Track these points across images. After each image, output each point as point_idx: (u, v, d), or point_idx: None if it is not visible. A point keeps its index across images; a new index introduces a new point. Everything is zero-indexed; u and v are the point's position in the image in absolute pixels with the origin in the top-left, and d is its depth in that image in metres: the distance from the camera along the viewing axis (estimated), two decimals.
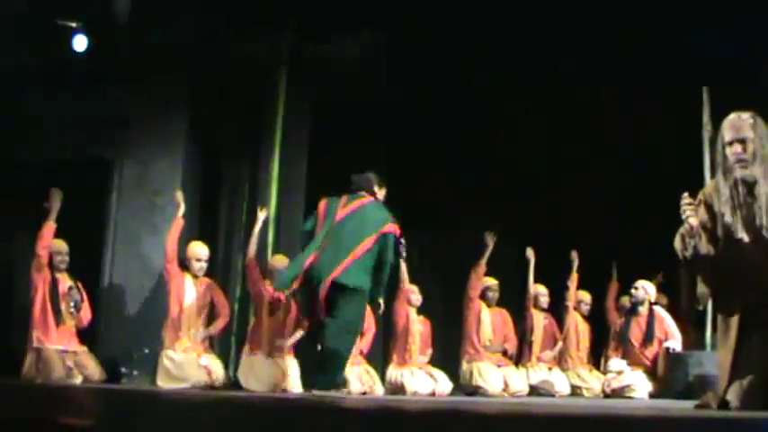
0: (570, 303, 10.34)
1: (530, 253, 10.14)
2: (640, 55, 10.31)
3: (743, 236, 4.76)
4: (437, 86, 10.53)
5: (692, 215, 4.72)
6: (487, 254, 9.80)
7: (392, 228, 7.28)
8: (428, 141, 11.08)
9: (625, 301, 10.62)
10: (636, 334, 9.60)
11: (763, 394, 4.54)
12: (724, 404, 4.67)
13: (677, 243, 4.87)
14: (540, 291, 10.17)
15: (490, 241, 9.79)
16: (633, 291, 9.77)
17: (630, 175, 11.18)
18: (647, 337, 9.53)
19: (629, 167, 11.22)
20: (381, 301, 7.55)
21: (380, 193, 7.58)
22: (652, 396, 9.01)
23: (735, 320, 4.73)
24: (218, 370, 8.48)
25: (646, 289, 9.72)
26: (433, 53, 10.16)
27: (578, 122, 11.15)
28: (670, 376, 8.65)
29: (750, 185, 4.78)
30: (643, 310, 9.65)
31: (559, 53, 10.26)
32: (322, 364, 7.12)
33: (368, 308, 8.98)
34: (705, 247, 4.80)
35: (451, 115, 10.98)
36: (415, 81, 10.51)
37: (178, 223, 8.59)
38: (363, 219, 7.25)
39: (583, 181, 11.50)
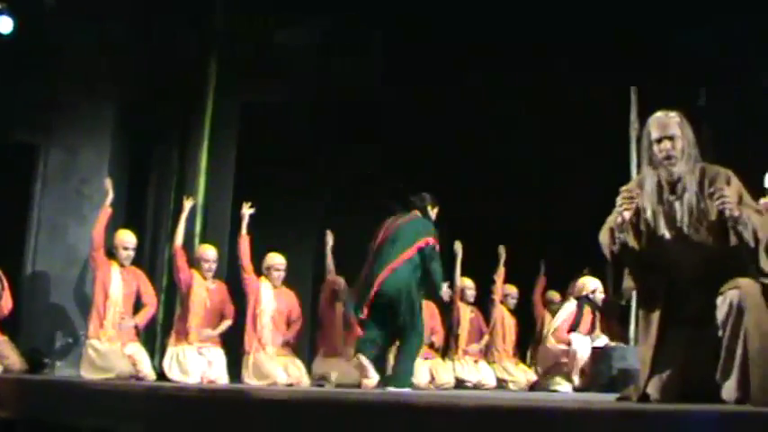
0: (497, 297, 10.42)
1: (457, 247, 10.20)
2: (569, 53, 10.45)
3: (665, 233, 4.83)
4: (366, 79, 10.56)
5: (628, 209, 4.77)
6: None
7: (428, 240, 7.96)
8: (355, 130, 11.10)
9: (552, 295, 10.77)
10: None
11: (681, 388, 4.63)
12: (644, 397, 4.75)
13: (604, 237, 4.92)
14: (466, 284, 10.22)
15: None
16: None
17: (558, 172, 11.30)
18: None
19: (558, 164, 11.34)
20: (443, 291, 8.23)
21: (432, 212, 8.37)
22: (577, 389, 9.13)
23: (656, 316, 4.80)
24: (143, 360, 8.41)
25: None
26: (365, 47, 10.19)
27: (509, 118, 11.25)
28: (594, 370, 8.76)
29: (674, 183, 4.85)
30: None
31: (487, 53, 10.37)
32: (396, 367, 8.08)
33: (296, 299, 9.01)
34: (631, 242, 4.87)
35: (380, 109, 11.03)
36: (345, 75, 10.53)
37: (106, 211, 8.50)
38: (404, 233, 8.02)
39: (510, 176, 11.59)
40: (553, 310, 10.68)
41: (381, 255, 7.99)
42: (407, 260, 7.89)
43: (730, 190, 4.69)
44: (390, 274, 7.84)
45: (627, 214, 4.76)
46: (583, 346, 9.10)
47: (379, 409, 4.11)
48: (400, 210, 8.40)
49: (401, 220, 8.19)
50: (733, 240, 4.61)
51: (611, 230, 4.83)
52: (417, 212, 8.29)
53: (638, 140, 5.34)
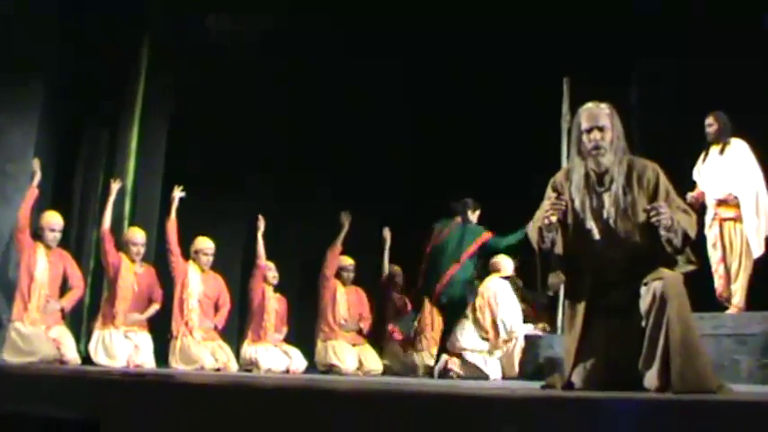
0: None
1: (386, 233, 10.24)
2: (503, 41, 10.53)
3: (591, 225, 4.90)
4: (302, 66, 10.57)
5: (555, 215, 4.81)
6: (343, 233, 9.89)
7: (479, 242, 9.02)
8: (284, 115, 11.09)
9: None
10: None
11: (605, 376, 4.70)
12: (569, 385, 4.83)
13: (533, 234, 4.97)
14: (395, 271, 10.26)
15: (346, 221, 9.90)
16: None
17: (490, 163, 11.36)
18: None
19: (489, 154, 11.40)
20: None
21: (474, 216, 9.24)
22: (504, 377, 9.19)
23: (581, 307, 4.86)
24: (68, 344, 8.31)
25: None
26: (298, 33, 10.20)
27: (439, 106, 11.30)
28: (522, 358, 8.84)
29: (602, 174, 4.91)
30: None
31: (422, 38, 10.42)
32: None
33: (224, 283, 8.99)
34: (559, 236, 4.93)
35: (307, 91, 11.04)
36: (281, 59, 10.51)
37: (32, 192, 8.38)
38: (450, 244, 9.05)
39: (444, 165, 11.64)
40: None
41: (434, 264, 9.12)
42: (458, 270, 8.96)
43: (660, 189, 4.79)
44: (443, 288, 8.99)
45: (554, 219, 4.80)
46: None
47: (302, 394, 4.12)
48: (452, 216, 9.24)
49: (446, 230, 9.20)
50: (667, 248, 4.67)
51: (541, 230, 4.88)
52: (459, 219, 9.16)
53: (569, 132, 5.39)
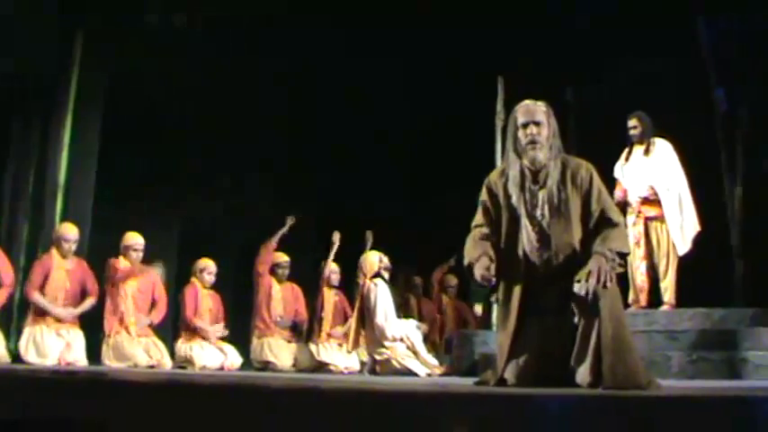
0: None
1: (335, 237, 10.16)
2: (436, 40, 10.58)
3: (525, 222, 4.93)
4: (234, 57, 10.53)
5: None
6: (281, 232, 9.88)
7: None
8: (222, 114, 11.02)
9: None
10: None
11: (538, 373, 4.74)
12: (502, 381, 4.85)
13: (468, 251, 5.00)
14: (332, 268, 10.24)
15: (289, 222, 9.90)
16: None
17: (425, 160, 11.41)
18: None
19: (424, 151, 11.45)
20: None
21: None
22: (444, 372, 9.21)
23: (514, 304, 4.89)
24: None
25: None
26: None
27: (370, 108, 11.30)
28: (457, 354, 8.87)
29: (537, 171, 4.94)
30: None
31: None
32: None
33: (160, 279, 8.92)
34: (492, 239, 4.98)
35: (247, 87, 10.99)
36: (209, 59, 10.46)
37: None
38: None
39: (379, 165, 11.66)
40: (416, 295, 10.84)
41: None
42: None
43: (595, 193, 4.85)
44: None
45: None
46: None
47: (236, 391, 4.10)
48: None
49: None
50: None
51: (472, 260, 4.90)
52: None
53: (504, 130, 5.42)
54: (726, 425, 3.35)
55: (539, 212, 4.91)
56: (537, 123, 4.91)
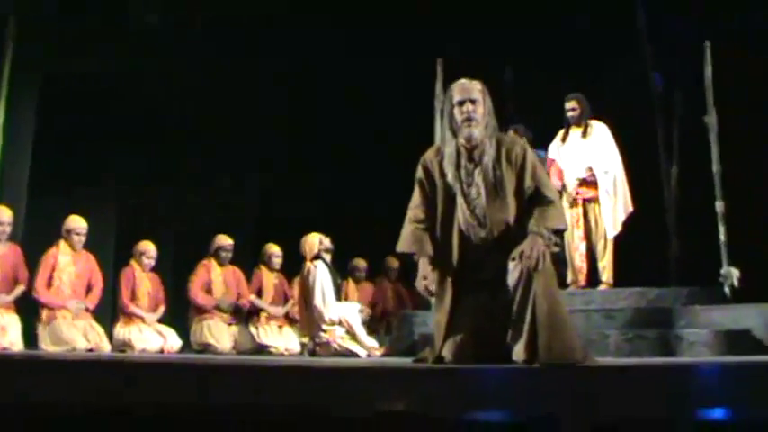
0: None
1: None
2: (377, 24, 10.58)
3: (461, 200, 4.97)
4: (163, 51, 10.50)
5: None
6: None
7: None
8: (155, 101, 10.95)
9: (357, 262, 10.94)
10: None
11: (475, 350, 4.79)
12: (439, 359, 4.89)
13: (403, 243, 5.07)
14: (273, 251, 10.21)
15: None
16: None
17: (363, 142, 11.40)
18: None
19: (362, 134, 11.44)
20: None
21: None
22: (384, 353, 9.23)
23: (449, 282, 4.94)
24: None
25: None
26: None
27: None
28: (396, 335, 8.91)
29: (472, 149, 4.97)
30: None
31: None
32: None
33: (96, 263, 8.83)
34: (428, 217, 5.02)
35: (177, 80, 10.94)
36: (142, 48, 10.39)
37: None
38: None
39: (317, 148, 11.64)
40: (356, 277, 10.84)
41: None
42: None
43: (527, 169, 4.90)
44: None
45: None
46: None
47: (170, 370, 4.10)
48: None
49: None
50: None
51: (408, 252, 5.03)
52: None
53: (442, 113, 5.47)
54: (660, 394, 3.41)
55: (474, 190, 4.95)
56: (473, 101, 4.96)
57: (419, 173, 5.12)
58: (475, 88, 5.00)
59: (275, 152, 11.70)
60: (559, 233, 4.84)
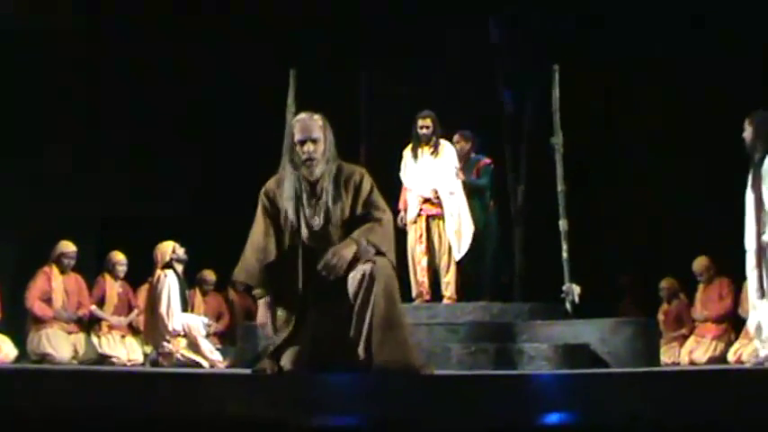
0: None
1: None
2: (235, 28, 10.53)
3: (303, 231, 5.05)
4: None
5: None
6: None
7: None
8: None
9: (206, 274, 10.78)
10: None
11: (312, 357, 4.85)
12: (278, 369, 4.92)
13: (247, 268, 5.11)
14: (118, 259, 9.98)
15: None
16: None
17: (220, 157, 11.28)
18: None
19: (217, 148, 11.31)
20: None
21: None
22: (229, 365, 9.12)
23: (292, 302, 5.02)
24: None
25: None
26: None
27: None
28: (240, 347, 8.83)
29: (314, 183, 5.05)
30: None
31: None
32: None
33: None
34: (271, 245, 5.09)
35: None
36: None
37: None
38: None
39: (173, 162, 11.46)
40: (204, 290, 10.68)
41: None
42: None
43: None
44: None
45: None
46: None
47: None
48: None
49: None
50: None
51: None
52: None
53: (285, 146, 5.51)
54: (495, 401, 3.47)
55: (315, 221, 5.05)
56: (314, 140, 5.03)
57: (262, 201, 5.17)
58: (315, 125, 5.06)
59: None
60: (379, 252, 4.89)
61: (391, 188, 8.41)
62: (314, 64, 9.51)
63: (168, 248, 8.87)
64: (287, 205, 5.04)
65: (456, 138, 9.14)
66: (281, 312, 5.07)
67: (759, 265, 6.70)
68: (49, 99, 10.37)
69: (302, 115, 5.13)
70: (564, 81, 8.62)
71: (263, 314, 5.06)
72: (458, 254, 8.54)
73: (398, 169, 8.83)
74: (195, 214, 10.94)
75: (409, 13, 10.50)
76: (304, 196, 5.05)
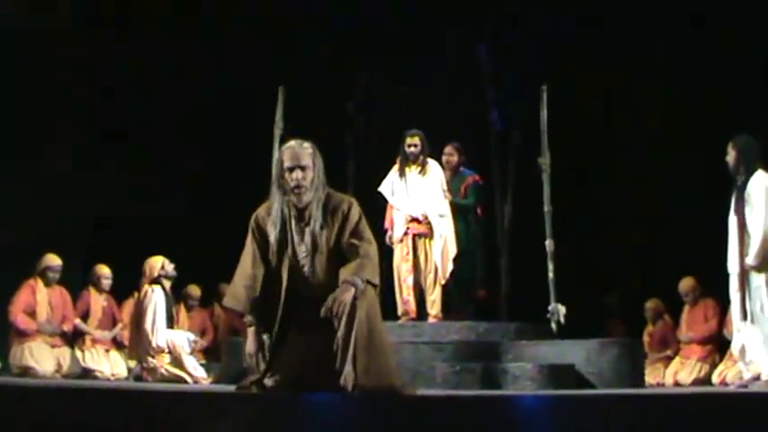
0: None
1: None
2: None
3: (290, 257, 5.07)
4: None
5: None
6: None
7: None
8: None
9: (192, 289, 10.71)
10: None
11: (297, 377, 4.85)
12: (263, 386, 4.93)
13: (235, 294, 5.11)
14: (103, 272, 9.94)
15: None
16: None
17: (205, 172, 11.26)
18: None
19: (204, 163, 11.30)
20: None
21: None
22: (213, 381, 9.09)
23: (277, 325, 5.03)
24: None
25: None
26: None
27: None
28: (225, 363, 8.80)
29: (302, 210, 5.06)
30: None
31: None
32: None
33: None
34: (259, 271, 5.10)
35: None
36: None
37: None
38: None
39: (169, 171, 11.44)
40: (189, 305, 10.64)
41: None
42: None
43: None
44: None
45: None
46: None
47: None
48: None
49: None
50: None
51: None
52: None
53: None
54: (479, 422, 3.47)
55: (302, 249, 5.08)
56: (303, 168, 5.04)
57: (252, 228, 5.18)
58: (305, 153, 5.07)
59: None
60: (373, 285, 4.91)
61: (378, 208, 8.43)
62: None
63: (157, 264, 8.85)
64: (274, 230, 5.06)
65: (448, 149, 9.13)
66: (266, 338, 5.09)
67: (742, 288, 6.74)
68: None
69: (292, 143, 5.14)
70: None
71: (251, 343, 5.06)
72: (443, 278, 8.53)
73: (380, 184, 8.80)
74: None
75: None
76: (292, 222, 5.08)
